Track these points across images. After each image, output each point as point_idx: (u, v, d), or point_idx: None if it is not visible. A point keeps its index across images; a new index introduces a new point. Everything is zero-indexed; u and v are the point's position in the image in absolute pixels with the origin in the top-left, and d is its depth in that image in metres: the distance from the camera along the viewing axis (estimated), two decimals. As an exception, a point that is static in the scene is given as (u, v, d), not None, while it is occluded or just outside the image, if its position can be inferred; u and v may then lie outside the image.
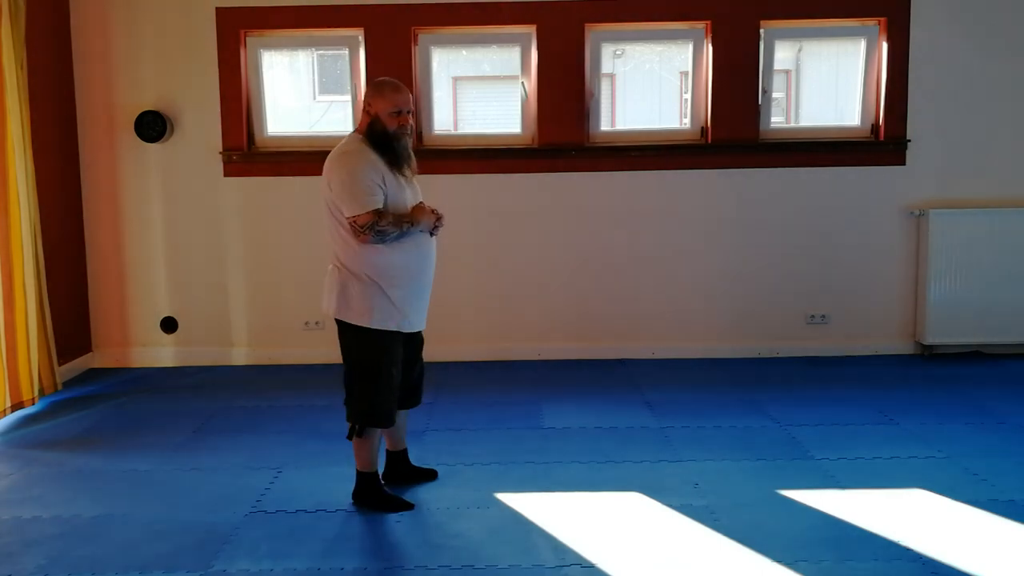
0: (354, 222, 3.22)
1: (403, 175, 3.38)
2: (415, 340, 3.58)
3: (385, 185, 3.26)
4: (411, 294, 3.39)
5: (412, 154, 3.43)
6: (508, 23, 5.55)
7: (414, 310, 3.43)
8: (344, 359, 3.47)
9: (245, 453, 4.14)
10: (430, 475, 3.79)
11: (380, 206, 3.23)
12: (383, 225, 3.22)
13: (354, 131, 3.42)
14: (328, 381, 5.34)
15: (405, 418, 3.75)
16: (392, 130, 3.29)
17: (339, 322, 3.42)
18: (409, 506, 3.50)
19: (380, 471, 3.62)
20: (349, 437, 3.46)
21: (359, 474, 3.52)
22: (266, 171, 5.63)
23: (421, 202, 3.43)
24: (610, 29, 5.63)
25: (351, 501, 3.54)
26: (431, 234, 3.42)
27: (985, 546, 3.11)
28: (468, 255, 5.64)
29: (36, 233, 4.89)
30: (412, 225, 3.30)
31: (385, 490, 3.56)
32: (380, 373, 3.37)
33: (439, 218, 3.41)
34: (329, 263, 3.45)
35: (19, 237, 4.71)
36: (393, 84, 3.35)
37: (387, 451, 3.77)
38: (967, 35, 5.53)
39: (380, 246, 3.27)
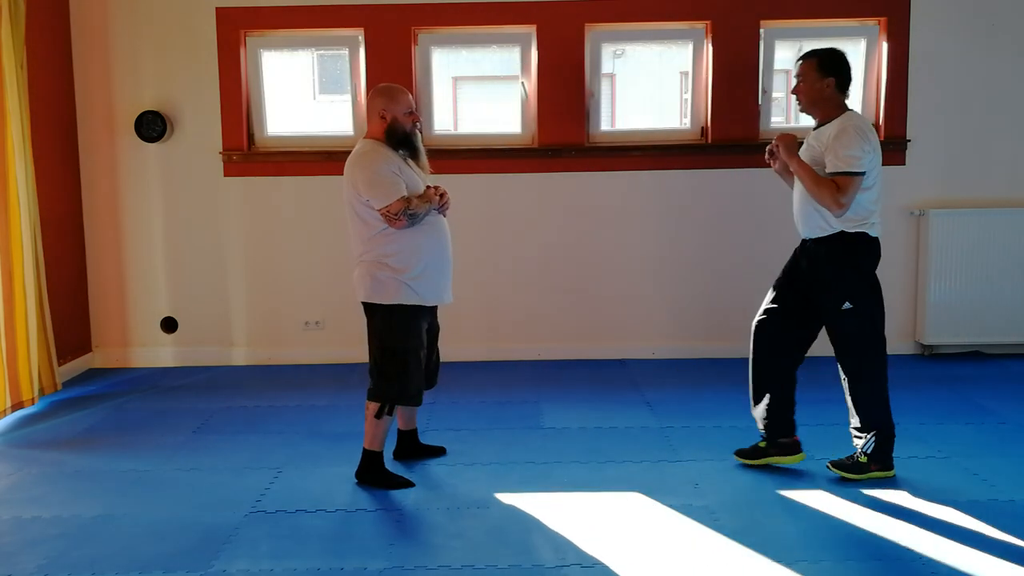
0: (387, 211, 3.51)
1: (417, 165, 3.73)
2: (433, 324, 3.83)
3: (402, 174, 3.59)
4: (431, 270, 3.65)
5: (422, 146, 3.79)
6: (508, 23, 5.55)
7: (435, 284, 3.68)
8: (371, 343, 3.69)
9: (245, 453, 4.14)
10: (439, 451, 4.05)
11: (405, 193, 3.54)
12: (413, 208, 3.53)
13: (365, 137, 3.72)
14: (328, 381, 5.34)
15: None
16: (409, 128, 3.66)
17: (367, 307, 3.67)
18: (410, 484, 3.70)
19: (393, 447, 3.95)
20: (377, 416, 3.66)
21: (366, 452, 3.72)
22: (266, 171, 5.63)
23: (427, 185, 3.70)
24: (610, 29, 5.63)
25: (355, 480, 3.74)
26: (442, 214, 3.67)
27: (985, 546, 3.11)
28: (468, 255, 5.61)
29: (36, 233, 4.89)
30: (430, 205, 3.60)
31: (387, 469, 3.75)
32: (408, 353, 3.63)
33: (442, 195, 3.65)
34: (356, 259, 3.70)
35: (19, 237, 4.71)
36: (400, 88, 3.71)
37: (399, 430, 4.02)
38: (967, 35, 5.53)
39: (392, 234, 3.55)
